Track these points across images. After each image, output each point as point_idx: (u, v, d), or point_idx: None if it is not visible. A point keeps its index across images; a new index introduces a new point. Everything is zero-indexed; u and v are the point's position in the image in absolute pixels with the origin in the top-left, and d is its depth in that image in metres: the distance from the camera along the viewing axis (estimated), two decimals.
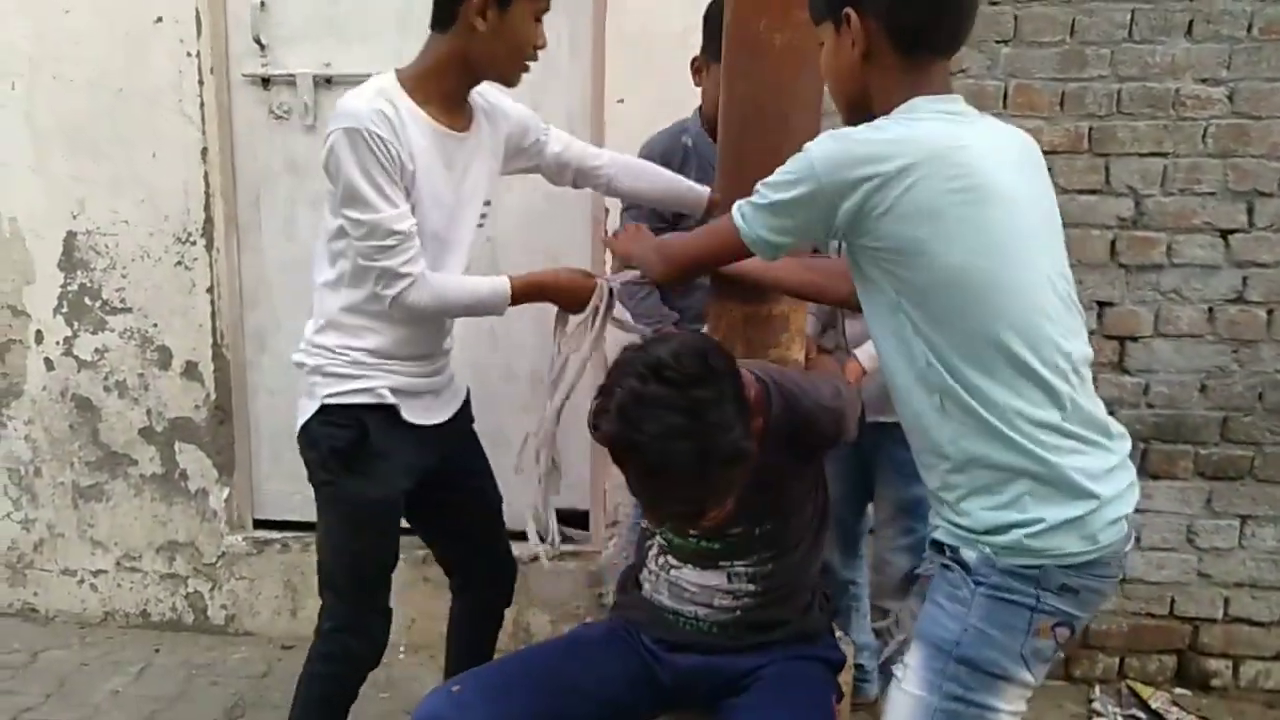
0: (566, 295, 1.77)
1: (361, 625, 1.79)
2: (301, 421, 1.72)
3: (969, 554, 1.22)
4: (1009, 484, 1.19)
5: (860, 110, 1.29)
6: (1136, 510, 1.26)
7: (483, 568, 1.98)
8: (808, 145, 1.23)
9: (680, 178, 1.96)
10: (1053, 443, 1.18)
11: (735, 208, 1.31)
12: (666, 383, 1.26)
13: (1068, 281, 1.25)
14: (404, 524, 1.84)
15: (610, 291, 1.74)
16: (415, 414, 1.73)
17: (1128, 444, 1.27)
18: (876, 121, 1.23)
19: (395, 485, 1.73)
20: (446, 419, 1.81)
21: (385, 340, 1.68)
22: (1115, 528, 1.21)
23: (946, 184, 1.15)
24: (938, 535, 1.28)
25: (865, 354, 1.93)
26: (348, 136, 1.55)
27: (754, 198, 1.28)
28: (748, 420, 1.32)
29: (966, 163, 1.17)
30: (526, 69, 1.70)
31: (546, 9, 1.66)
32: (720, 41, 1.70)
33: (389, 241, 1.58)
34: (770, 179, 1.26)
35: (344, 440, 1.67)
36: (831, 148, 1.20)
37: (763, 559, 1.57)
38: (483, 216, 1.79)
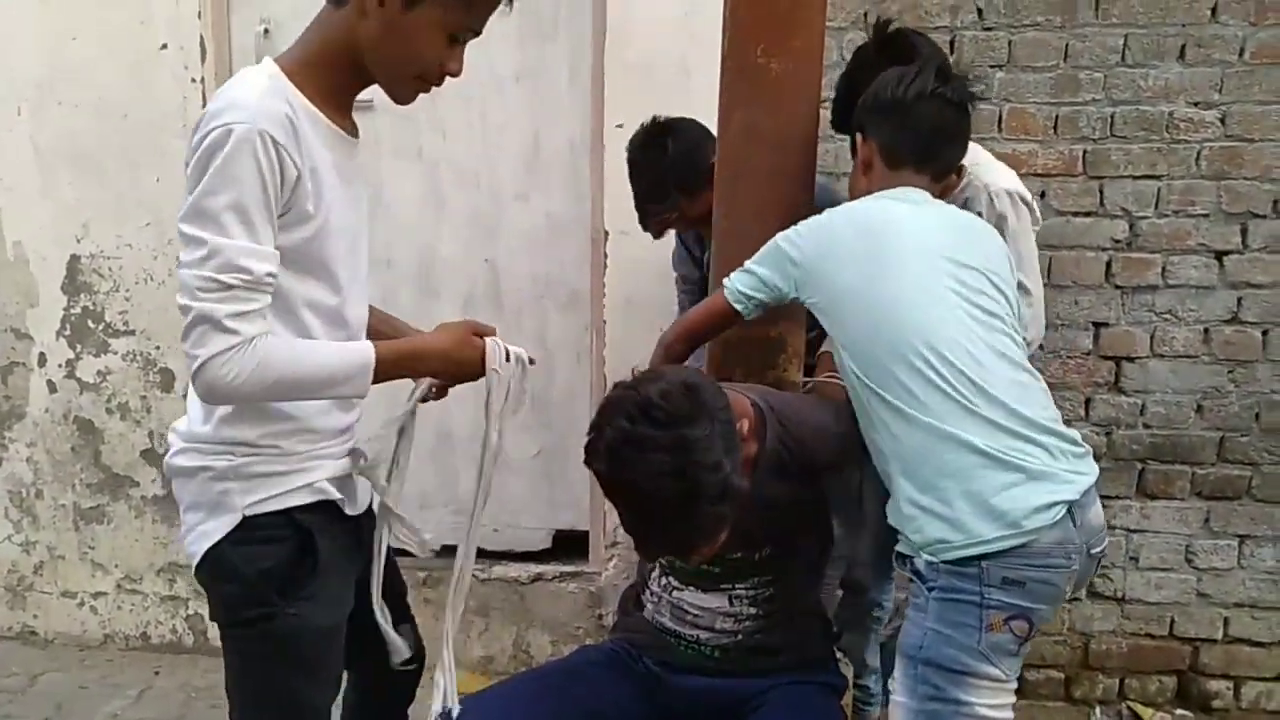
0: (453, 366, 1.36)
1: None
2: (205, 548, 1.26)
3: (919, 563, 1.36)
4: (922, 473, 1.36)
5: None
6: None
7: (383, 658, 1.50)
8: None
9: None
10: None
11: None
12: (654, 422, 1.28)
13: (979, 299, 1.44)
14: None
15: (511, 356, 1.37)
16: (350, 504, 1.34)
17: (1056, 441, 1.37)
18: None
19: (345, 603, 1.35)
20: (368, 501, 1.42)
21: (318, 419, 1.29)
22: (1044, 514, 1.29)
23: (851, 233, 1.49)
24: (899, 548, 1.41)
25: None
26: (235, 136, 1.12)
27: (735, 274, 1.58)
28: (738, 456, 1.33)
29: (873, 221, 1.50)
30: (423, 89, 1.30)
31: (467, 33, 1.26)
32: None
33: (228, 279, 1.12)
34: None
35: (278, 558, 1.26)
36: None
37: (763, 582, 1.58)
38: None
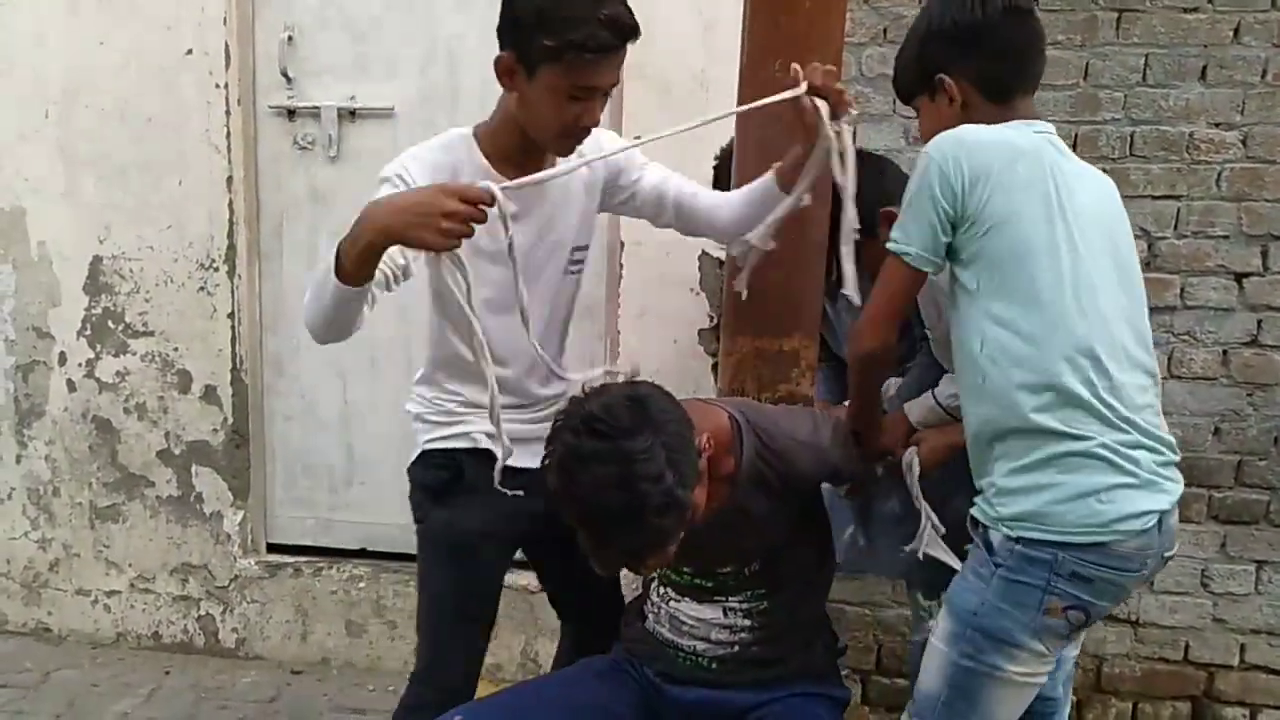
0: (412, 219, 1.28)
1: (437, 672, 1.68)
2: (408, 467, 1.71)
3: (993, 535, 1.38)
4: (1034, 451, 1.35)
5: None
6: None
7: (593, 608, 1.86)
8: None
9: (752, 185, 1.72)
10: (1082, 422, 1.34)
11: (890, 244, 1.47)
12: (598, 435, 1.31)
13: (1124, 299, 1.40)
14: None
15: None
16: (519, 458, 1.51)
17: (1174, 456, 1.40)
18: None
19: (488, 522, 1.62)
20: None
21: (472, 393, 1.62)
22: (1136, 521, 1.32)
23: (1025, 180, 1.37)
24: (973, 511, 1.44)
25: (916, 409, 1.82)
26: (379, 177, 1.54)
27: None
28: (686, 469, 1.34)
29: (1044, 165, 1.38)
30: (570, 143, 1.55)
31: (591, 89, 1.49)
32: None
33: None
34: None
35: (437, 480, 1.65)
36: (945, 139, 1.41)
37: (756, 595, 1.58)
38: (575, 263, 1.69)
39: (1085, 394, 1.33)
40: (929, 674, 1.45)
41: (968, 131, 1.42)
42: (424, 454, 1.67)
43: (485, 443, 1.60)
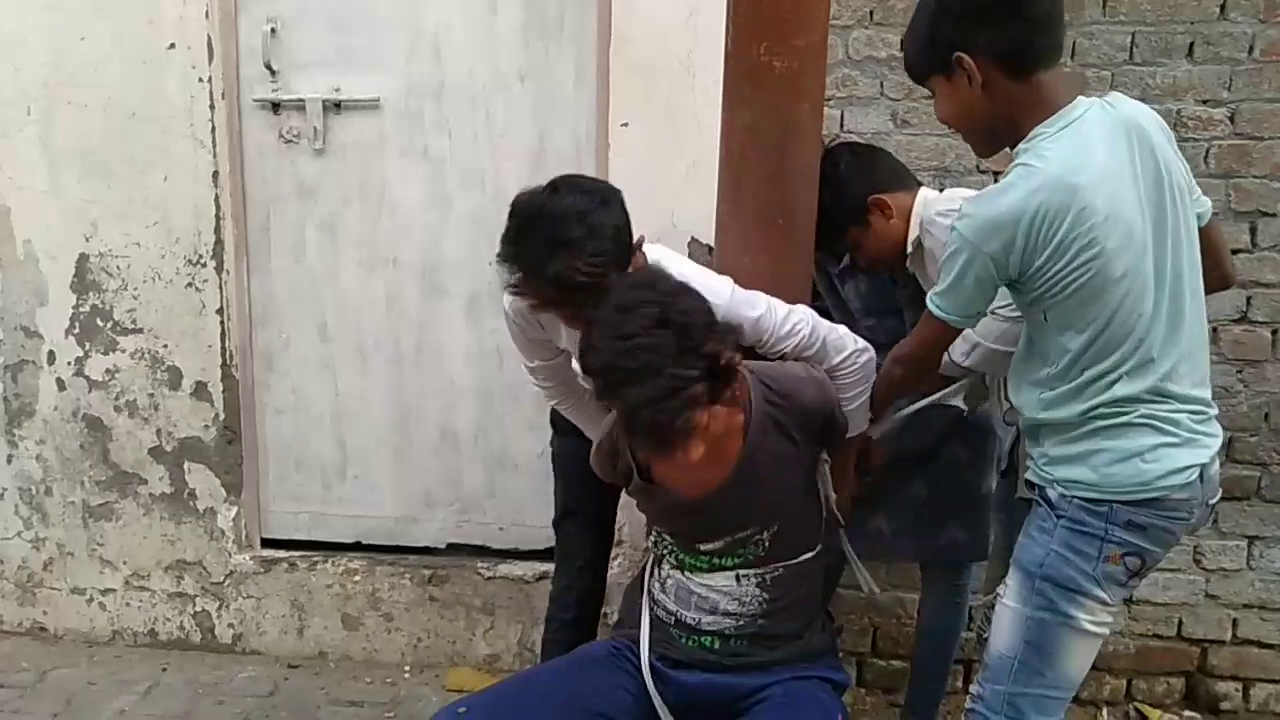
0: None
1: (557, 583, 2.12)
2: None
3: (1051, 493, 1.48)
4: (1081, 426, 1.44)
5: (989, 139, 1.52)
6: None
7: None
8: (955, 224, 1.45)
9: None
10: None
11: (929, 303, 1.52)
12: (651, 288, 1.43)
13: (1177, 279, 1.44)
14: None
15: None
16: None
17: (1211, 411, 1.49)
18: (1006, 179, 1.41)
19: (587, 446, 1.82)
20: None
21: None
22: (1179, 475, 1.41)
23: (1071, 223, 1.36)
24: (1029, 476, 1.54)
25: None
26: None
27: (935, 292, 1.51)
28: (715, 345, 1.40)
29: (1085, 203, 1.36)
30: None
31: (542, 310, 1.69)
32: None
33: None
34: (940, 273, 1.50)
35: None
36: (974, 221, 1.41)
37: (769, 563, 1.60)
38: None
39: (1133, 388, 1.41)
40: (1001, 636, 1.51)
41: (991, 206, 1.40)
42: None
43: None
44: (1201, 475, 1.44)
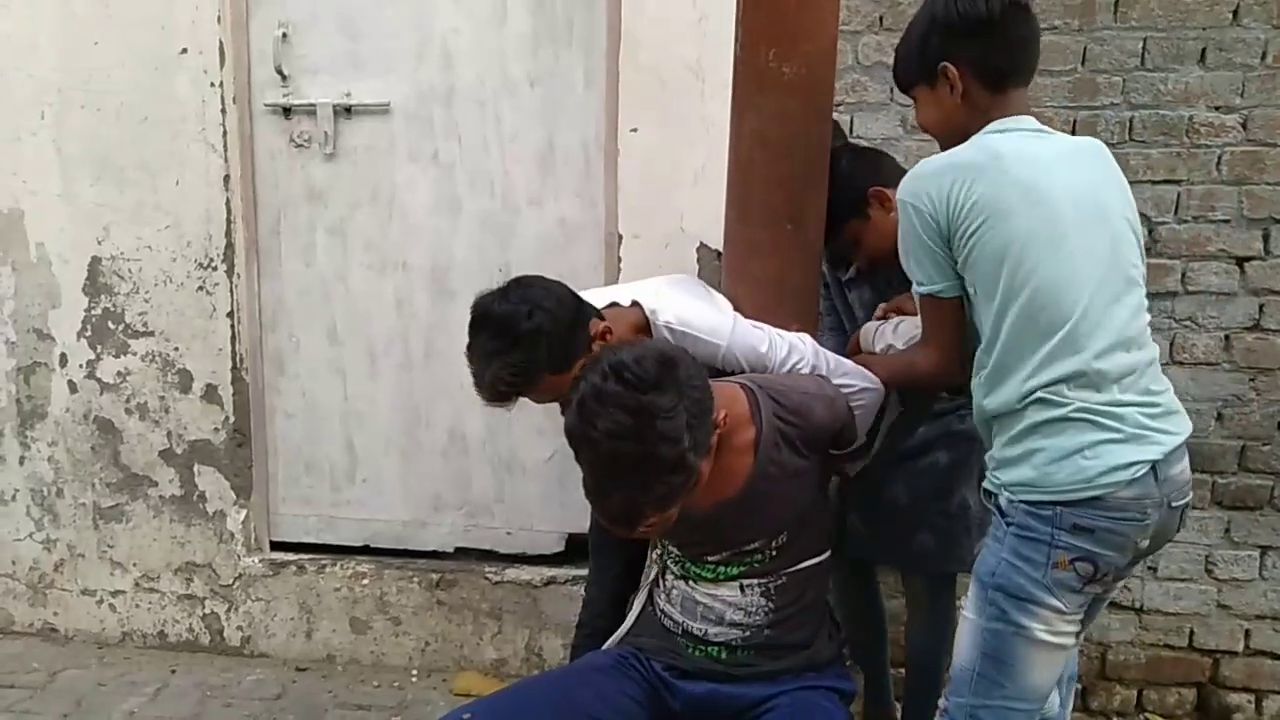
0: None
1: (586, 595, 2.07)
2: None
3: (1001, 500, 1.48)
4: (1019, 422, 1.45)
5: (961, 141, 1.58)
6: None
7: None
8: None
9: None
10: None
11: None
12: (624, 383, 1.33)
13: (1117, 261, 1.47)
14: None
15: None
16: None
17: (1167, 406, 1.47)
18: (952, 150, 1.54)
19: None
20: None
21: None
22: (1122, 472, 1.38)
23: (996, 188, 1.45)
24: (985, 484, 1.53)
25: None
26: None
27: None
28: (702, 435, 1.37)
29: (1007, 168, 1.46)
30: None
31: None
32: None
33: None
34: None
35: None
36: (909, 180, 1.53)
37: (774, 573, 1.59)
38: None
39: (1066, 382, 1.41)
40: (961, 648, 1.51)
41: (922, 166, 1.54)
42: None
43: None
44: (1155, 473, 1.40)
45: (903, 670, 2.22)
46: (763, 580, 1.59)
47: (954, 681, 1.53)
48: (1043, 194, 1.44)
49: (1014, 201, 1.43)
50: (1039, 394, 1.42)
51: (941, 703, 1.56)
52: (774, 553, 1.58)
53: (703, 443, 1.37)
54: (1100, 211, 1.49)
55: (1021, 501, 1.43)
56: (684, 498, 1.38)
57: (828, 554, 1.68)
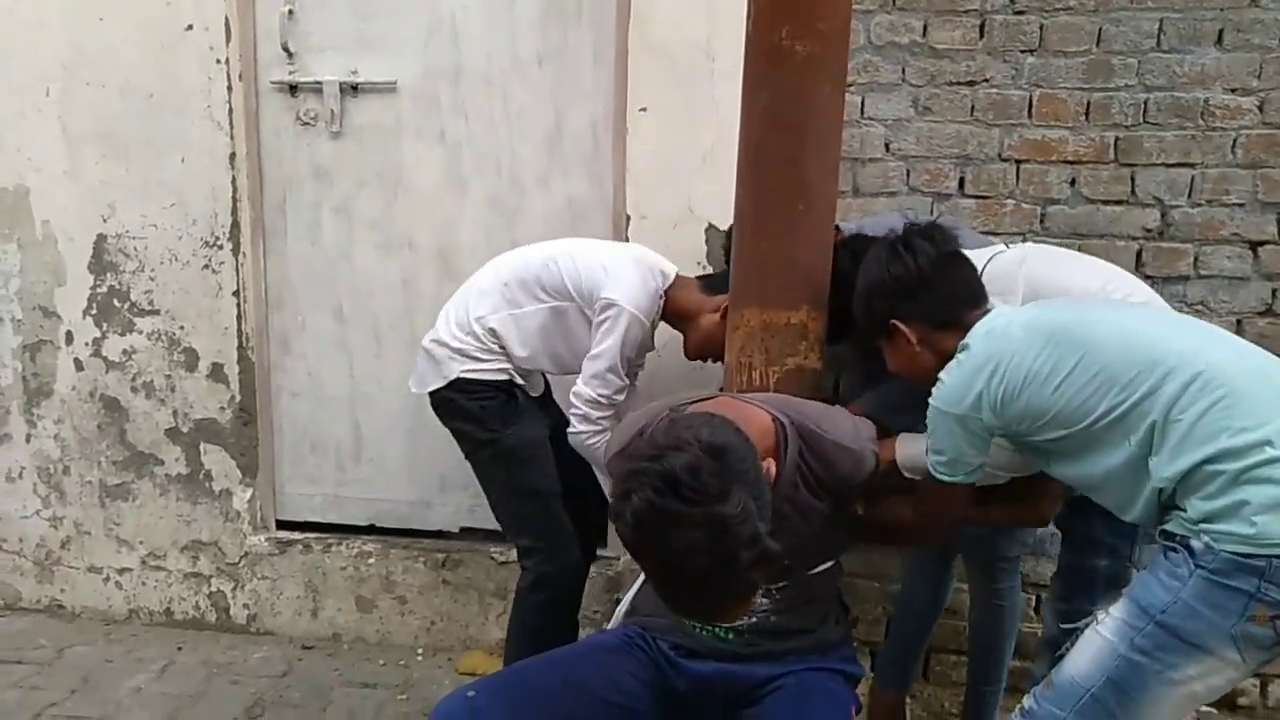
0: None
1: (553, 549, 2.15)
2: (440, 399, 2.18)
3: (1195, 543, 1.35)
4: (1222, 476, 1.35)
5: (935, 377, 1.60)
6: None
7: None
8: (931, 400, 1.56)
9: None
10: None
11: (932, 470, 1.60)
12: (684, 500, 1.21)
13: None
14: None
15: None
16: (533, 390, 2.25)
17: None
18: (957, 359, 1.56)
19: (540, 429, 2.19)
20: (541, 391, 2.31)
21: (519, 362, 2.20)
22: None
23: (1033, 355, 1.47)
24: (1169, 527, 1.40)
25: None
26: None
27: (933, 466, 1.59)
28: (768, 511, 1.27)
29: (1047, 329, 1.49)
30: None
31: None
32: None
33: None
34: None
35: (495, 403, 2.14)
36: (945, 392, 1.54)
37: (786, 577, 1.57)
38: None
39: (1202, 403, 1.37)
40: (1082, 662, 1.41)
41: (949, 390, 1.54)
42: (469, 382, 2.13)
43: (518, 379, 2.17)
44: None
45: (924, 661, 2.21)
46: (770, 585, 1.58)
47: (1056, 690, 1.43)
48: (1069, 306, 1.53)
49: (1055, 335, 1.46)
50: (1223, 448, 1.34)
51: (1028, 701, 1.47)
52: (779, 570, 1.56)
53: (768, 514, 1.27)
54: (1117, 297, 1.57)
55: (1225, 550, 1.32)
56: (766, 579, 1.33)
57: (837, 562, 1.67)
